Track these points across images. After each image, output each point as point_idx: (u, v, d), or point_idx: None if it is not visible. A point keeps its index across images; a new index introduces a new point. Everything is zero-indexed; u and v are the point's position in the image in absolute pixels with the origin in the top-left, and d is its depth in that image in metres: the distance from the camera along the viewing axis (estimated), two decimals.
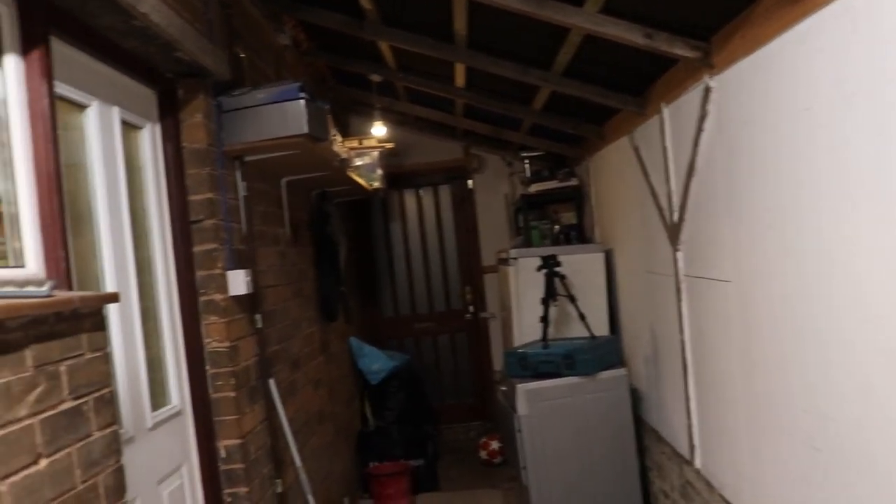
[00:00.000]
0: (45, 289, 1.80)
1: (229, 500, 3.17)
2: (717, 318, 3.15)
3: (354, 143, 5.44)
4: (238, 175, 3.49)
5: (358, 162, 5.33)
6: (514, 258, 5.16)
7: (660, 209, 3.78)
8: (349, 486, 5.37)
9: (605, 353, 4.50)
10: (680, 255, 3.56)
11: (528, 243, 5.89)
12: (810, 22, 2.15)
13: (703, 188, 3.18)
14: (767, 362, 2.67)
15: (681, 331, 3.62)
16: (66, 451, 1.80)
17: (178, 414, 3.00)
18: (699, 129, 3.10)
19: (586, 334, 4.75)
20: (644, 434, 4.63)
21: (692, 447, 3.63)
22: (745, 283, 2.80)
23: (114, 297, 2.08)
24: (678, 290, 3.60)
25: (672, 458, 4.07)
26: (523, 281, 5.12)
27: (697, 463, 3.60)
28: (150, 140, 3.01)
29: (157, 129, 3.08)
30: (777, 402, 2.61)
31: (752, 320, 2.76)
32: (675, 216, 3.54)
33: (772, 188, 2.49)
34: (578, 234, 5.88)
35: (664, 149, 3.60)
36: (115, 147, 2.72)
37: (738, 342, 2.93)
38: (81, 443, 1.86)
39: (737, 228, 2.83)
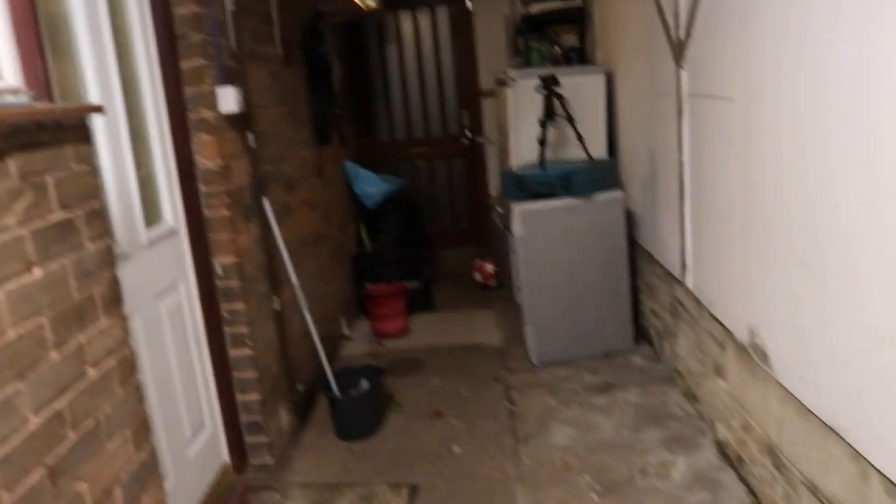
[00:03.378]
0: (23, 98, 1.74)
1: (227, 316, 3.24)
2: (718, 138, 3.10)
3: None
4: None
5: None
6: (513, 79, 5.03)
7: (665, 26, 3.63)
8: (345, 306, 5.50)
9: (602, 175, 4.48)
10: (684, 73, 3.46)
11: (527, 65, 5.73)
12: None
13: (714, 1, 3.04)
14: (766, 181, 2.64)
15: (680, 152, 3.57)
16: (60, 261, 1.80)
17: (172, 232, 3.00)
18: None
19: (584, 157, 4.70)
20: (637, 256, 4.69)
21: (684, 267, 3.68)
22: (750, 101, 2.73)
23: (97, 109, 2.01)
24: (679, 111, 3.53)
25: (663, 278, 4.14)
26: (522, 103, 5.01)
27: (689, 282, 3.66)
28: None
29: None
30: (772, 221, 2.61)
31: (754, 139, 2.71)
32: (682, 32, 3.40)
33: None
34: (580, 56, 5.71)
35: None
36: None
37: (738, 162, 2.89)
38: (74, 254, 1.86)
39: (746, 43, 2.71)
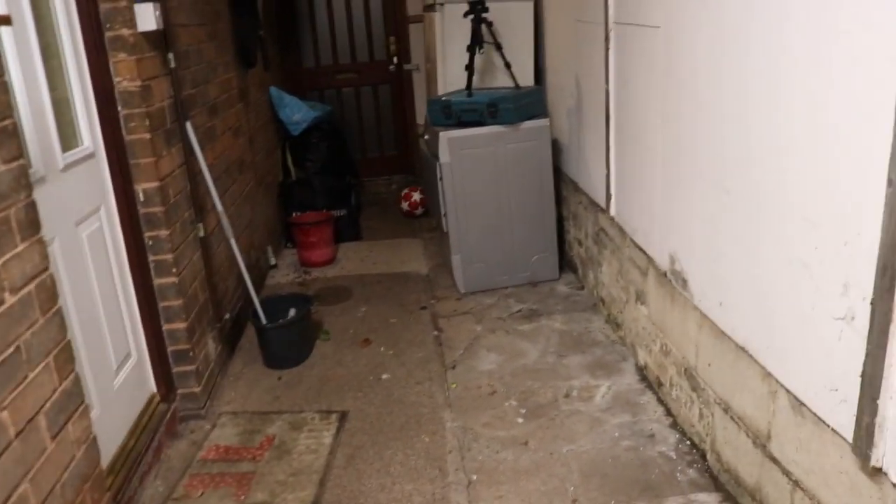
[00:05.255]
0: None
1: (150, 242, 3.16)
2: (643, 66, 3.13)
3: None
4: None
5: None
6: (441, 4, 4.95)
7: None
8: (272, 234, 5.43)
9: (529, 103, 4.48)
10: (611, 0, 3.45)
11: None
12: None
13: None
14: (686, 109, 2.69)
15: (606, 81, 3.59)
16: None
17: (90, 156, 2.89)
18: None
19: (511, 84, 4.69)
20: (562, 185, 4.74)
21: (608, 196, 3.74)
22: (674, 30, 2.75)
23: (4, 19, 1.90)
24: (607, 39, 3.53)
25: (588, 207, 4.21)
26: (449, 29, 4.96)
27: (612, 211, 3.73)
28: None
29: None
30: (693, 149, 2.66)
31: (677, 67, 2.75)
32: None
33: None
34: None
35: None
36: None
37: (661, 90, 2.93)
38: None
39: None
